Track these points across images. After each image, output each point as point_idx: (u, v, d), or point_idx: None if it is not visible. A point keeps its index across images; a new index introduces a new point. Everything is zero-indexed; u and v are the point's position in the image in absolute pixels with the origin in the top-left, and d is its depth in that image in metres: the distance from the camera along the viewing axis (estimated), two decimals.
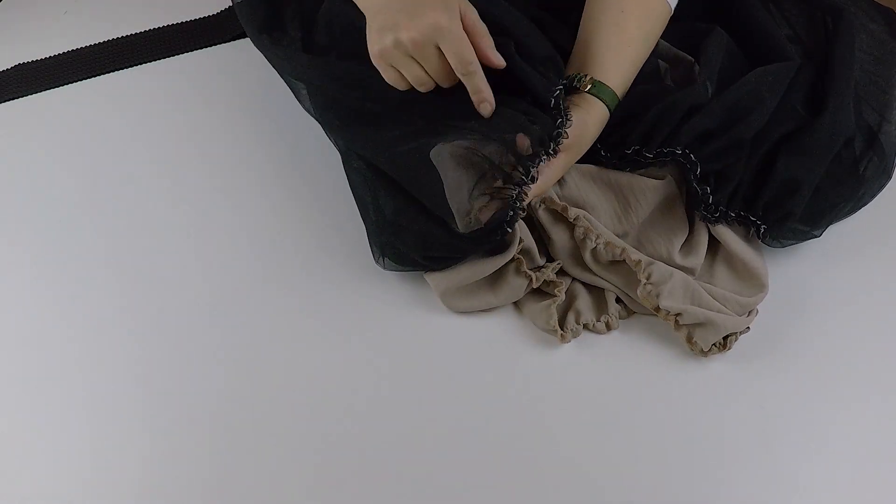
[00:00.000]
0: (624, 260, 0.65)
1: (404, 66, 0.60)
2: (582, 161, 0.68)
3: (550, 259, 0.69)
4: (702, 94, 0.66)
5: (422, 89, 0.62)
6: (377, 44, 0.59)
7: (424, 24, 0.57)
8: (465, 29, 0.58)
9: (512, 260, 0.66)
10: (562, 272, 0.69)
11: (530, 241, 0.67)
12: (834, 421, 0.62)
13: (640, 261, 0.64)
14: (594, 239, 0.65)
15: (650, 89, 0.68)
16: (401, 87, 0.62)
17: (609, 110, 0.65)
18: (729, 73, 0.69)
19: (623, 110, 0.67)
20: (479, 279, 0.66)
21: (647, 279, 0.64)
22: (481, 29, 0.60)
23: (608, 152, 0.68)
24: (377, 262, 0.68)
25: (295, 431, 0.62)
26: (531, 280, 0.66)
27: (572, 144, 0.63)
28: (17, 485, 0.60)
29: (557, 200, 0.66)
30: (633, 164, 0.67)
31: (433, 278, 0.66)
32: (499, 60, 0.61)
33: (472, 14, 0.60)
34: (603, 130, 0.67)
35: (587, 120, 0.64)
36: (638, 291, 0.64)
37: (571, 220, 0.66)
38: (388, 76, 0.62)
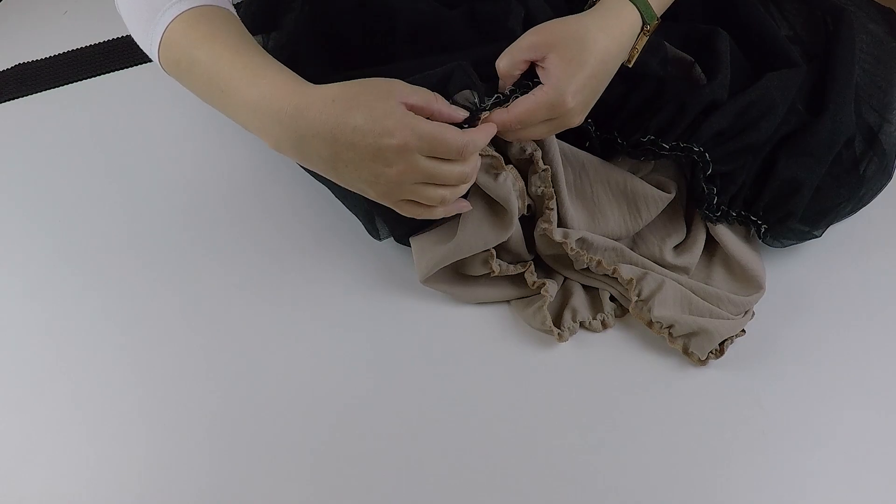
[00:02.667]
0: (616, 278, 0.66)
1: (413, 194, 0.56)
2: (602, 149, 0.69)
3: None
4: (721, 94, 0.66)
5: (445, 207, 0.58)
6: (382, 200, 0.57)
7: (399, 159, 0.53)
8: (415, 111, 0.54)
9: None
10: (550, 271, 0.69)
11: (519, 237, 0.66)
12: (833, 421, 0.62)
13: (631, 279, 0.65)
14: (586, 260, 0.65)
15: (672, 78, 0.68)
16: (424, 215, 0.59)
17: (643, 19, 0.60)
18: (731, 73, 0.69)
19: (643, 96, 0.66)
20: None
21: (639, 296, 0.64)
22: (423, 97, 0.54)
23: (624, 139, 0.67)
24: (372, 234, 0.69)
25: (293, 430, 0.62)
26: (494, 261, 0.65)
27: (592, 52, 0.57)
28: (18, 485, 0.60)
29: (556, 236, 0.64)
30: (648, 155, 0.67)
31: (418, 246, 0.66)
32: (458, 113, 0.56)
33: (413, 97, 0.54)
34: (620, 116, 0.67)
35: (607, 18, 0.59)
36: (630, 309, 0.65)
37: (570, 253, 0.65)
38: (407, 211, 0.58)
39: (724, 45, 0.69)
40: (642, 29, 0.61)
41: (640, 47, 0.62)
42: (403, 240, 0.70)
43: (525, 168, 0.64)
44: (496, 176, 0.61)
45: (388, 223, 0.68)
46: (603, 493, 0.58)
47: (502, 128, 0.58)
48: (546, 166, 0.63)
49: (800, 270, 0.71)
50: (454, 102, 0.58)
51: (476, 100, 0.58)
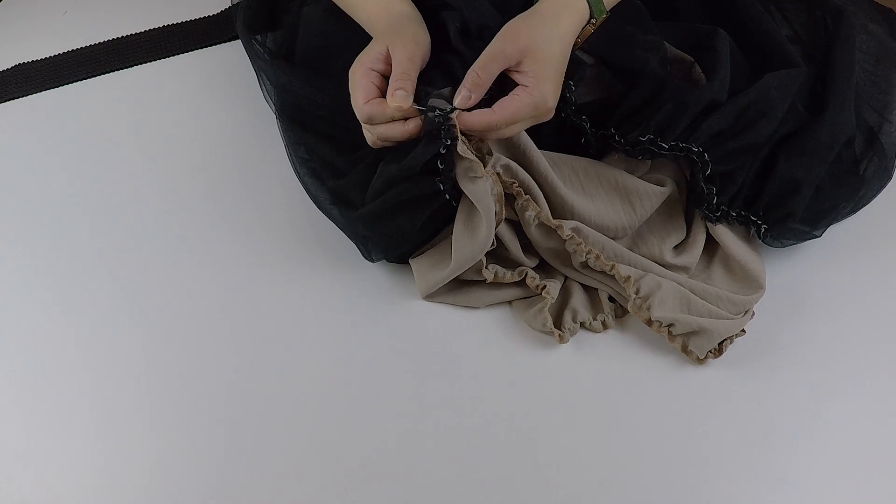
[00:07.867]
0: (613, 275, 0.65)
1: None
2: (597, 146, 0.68)
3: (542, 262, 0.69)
4: (720, 94, 0.66)
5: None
6: None
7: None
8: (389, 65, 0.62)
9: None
10: (551, 271, 0.69)
11: (513, 241, 0.67)
12: (833, 421, 0.62)
13: (629, 276, 0.64)
14: (584, 254, 0.65)
15: (672, 77, 0.68)
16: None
17: (591, 13, 0.63)
18: (730, 73, 0.69)
19: (643, 96, 0.67)
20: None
21: (637, 294, 0.64)
22: (400, 70, 0.60)
23: (622, 138, 0.67)
24: (366, 257, 0.69)
25: (292, 432, 0.62)
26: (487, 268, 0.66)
27: (540, 42, 0.60)
28: (19, 485, 0.60)
29: (551, 218, 0.64)
30: (646, 154, 0.66)
31: (418, 266, 0.68)
32: (395, 104, 0.60)
33: (401, 53, 0.61)
34: (619, 114, 0.67)
35: (560, 12, 0.61)
36: (629, 306, 0.65)
37: (565, 238, 0.64)
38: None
39: (724, 45, 0.69)
40: (589, 21, 0.63)
41: (583, 39, 0.65)
42: (396, 261, 0.71)
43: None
44: (474, 180, 0.62)
45: (381, 248, 0.69)
46: (603, 493, 0.58)
47: (487, 127, 0.60)
48: (505, 161, 0.63)
49: (800, 270, 0.71)
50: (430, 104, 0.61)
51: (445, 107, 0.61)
